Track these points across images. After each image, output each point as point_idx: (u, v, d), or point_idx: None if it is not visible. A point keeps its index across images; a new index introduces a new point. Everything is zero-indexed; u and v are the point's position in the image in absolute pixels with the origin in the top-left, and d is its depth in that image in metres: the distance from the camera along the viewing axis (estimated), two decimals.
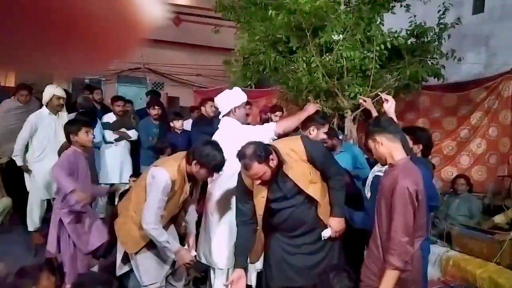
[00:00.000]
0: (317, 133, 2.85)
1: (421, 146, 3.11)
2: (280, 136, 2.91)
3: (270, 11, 4.66)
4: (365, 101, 3.46)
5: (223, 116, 3.13)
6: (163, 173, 2.47)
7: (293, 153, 2.41)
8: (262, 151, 2.27)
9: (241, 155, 2.28)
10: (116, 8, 0.32)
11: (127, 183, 4.88)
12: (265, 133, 2.93)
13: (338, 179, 2.55)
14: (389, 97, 2.93)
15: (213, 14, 6.45)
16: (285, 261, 2.49)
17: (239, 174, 2.46)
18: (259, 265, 2.82)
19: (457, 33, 4.89)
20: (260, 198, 2.37)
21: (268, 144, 2.45)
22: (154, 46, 9.23)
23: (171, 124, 5.38)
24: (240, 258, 2.44)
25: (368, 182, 2.84)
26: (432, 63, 4.88)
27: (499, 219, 4.43)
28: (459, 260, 4.20)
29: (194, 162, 2.48)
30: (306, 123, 2.92)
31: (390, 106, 2.87)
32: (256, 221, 2.44)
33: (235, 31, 6.36)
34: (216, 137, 3.00)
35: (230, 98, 3.10)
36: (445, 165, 6.35)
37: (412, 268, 2.10)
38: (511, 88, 5.85)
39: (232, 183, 2.73)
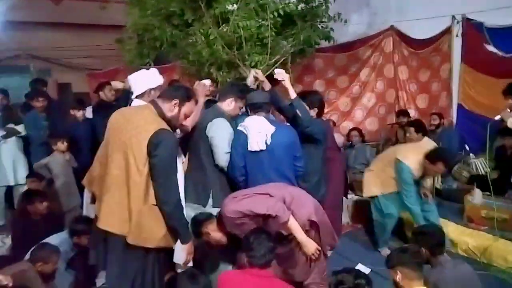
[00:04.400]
0: (235, 106, 2.93)
1: (316, 110, 3.44)
2: None
3: None
4: (257, 73, 3.60)
5: (135, 97, 2.90)
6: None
7: None
8: None
9: None
10: None
11: (23, 184, 4.47)
12: None
13: None
14: (282, 71, 3.14)
15: None
16: None
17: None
18: None
19: None
20: None
21: None
22: (34, 30, 8.29)
23: (72, 113, 4.96)
24: None
25: None
26: (322, 26, 5.16)
27: None
28: (362, 204, 4.68)
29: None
30: (225, 95, 2.96)
31: (285, 82, 3.11)
32: None
33: (124, 7, 5.99)
34: None
35: (147, 79, 2.88)
36: (343, 121, 6.90)
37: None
38: (392, 44, 6.48)
39: None
